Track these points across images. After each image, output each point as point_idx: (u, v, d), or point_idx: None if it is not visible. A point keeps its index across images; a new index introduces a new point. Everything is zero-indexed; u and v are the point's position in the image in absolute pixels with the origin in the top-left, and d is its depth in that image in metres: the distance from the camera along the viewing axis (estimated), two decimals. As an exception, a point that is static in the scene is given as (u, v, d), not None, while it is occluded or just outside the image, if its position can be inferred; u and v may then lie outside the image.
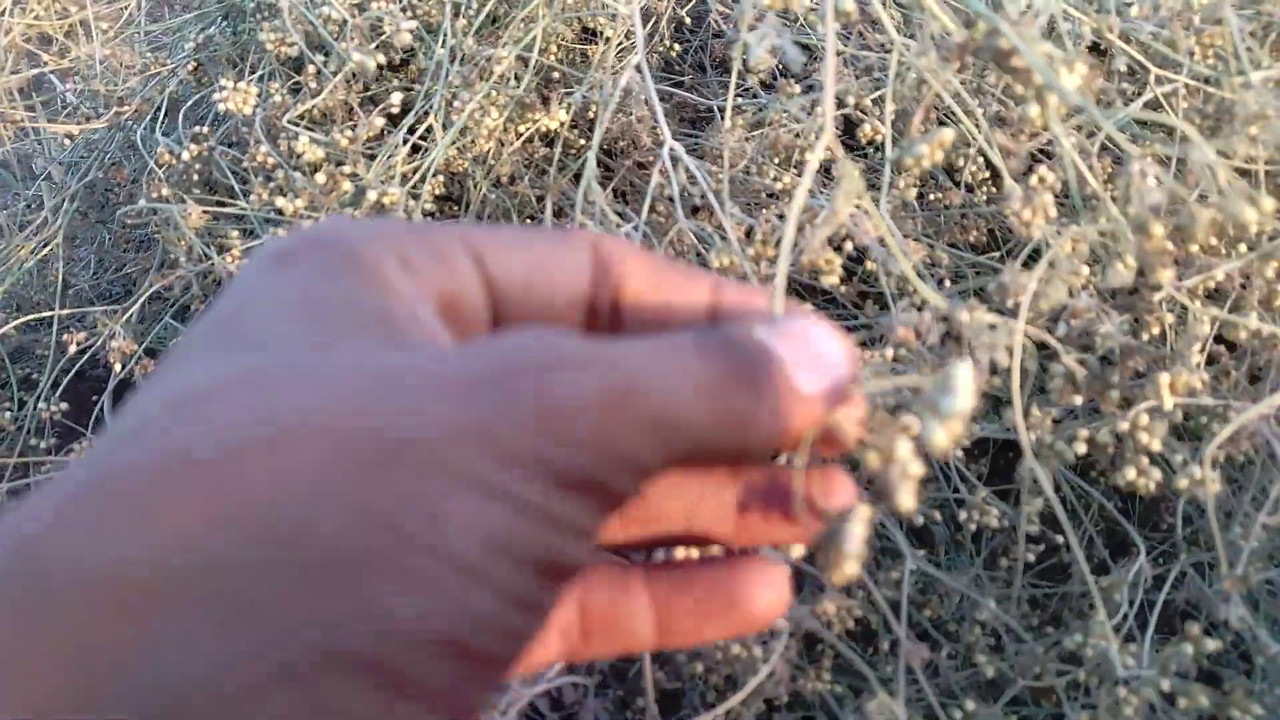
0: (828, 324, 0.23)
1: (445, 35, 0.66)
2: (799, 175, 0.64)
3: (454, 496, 0.17)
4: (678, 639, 0.24)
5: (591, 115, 0.76)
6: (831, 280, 0.53)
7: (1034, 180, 0.35)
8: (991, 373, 0.43)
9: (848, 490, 0.23)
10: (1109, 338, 0.46)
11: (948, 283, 0.71)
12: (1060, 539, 0.60)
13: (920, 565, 0.53)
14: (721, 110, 0.68)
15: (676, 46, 0.89)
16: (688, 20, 0.90)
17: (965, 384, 0.25)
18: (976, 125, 0.47)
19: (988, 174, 0.71)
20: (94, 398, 0.84)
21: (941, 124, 0.65)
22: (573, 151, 0.78)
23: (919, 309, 0.48)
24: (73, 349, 0.66)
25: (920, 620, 0.58)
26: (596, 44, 0.78)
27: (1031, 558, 0.58)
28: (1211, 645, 0.46)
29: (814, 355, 0.22)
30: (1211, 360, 0.61)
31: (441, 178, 0.71)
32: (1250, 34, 0.59)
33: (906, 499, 0.21)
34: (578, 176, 0.74)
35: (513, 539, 0.17)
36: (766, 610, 0.24)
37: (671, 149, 0.55)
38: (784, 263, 0.40)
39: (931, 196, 0.69)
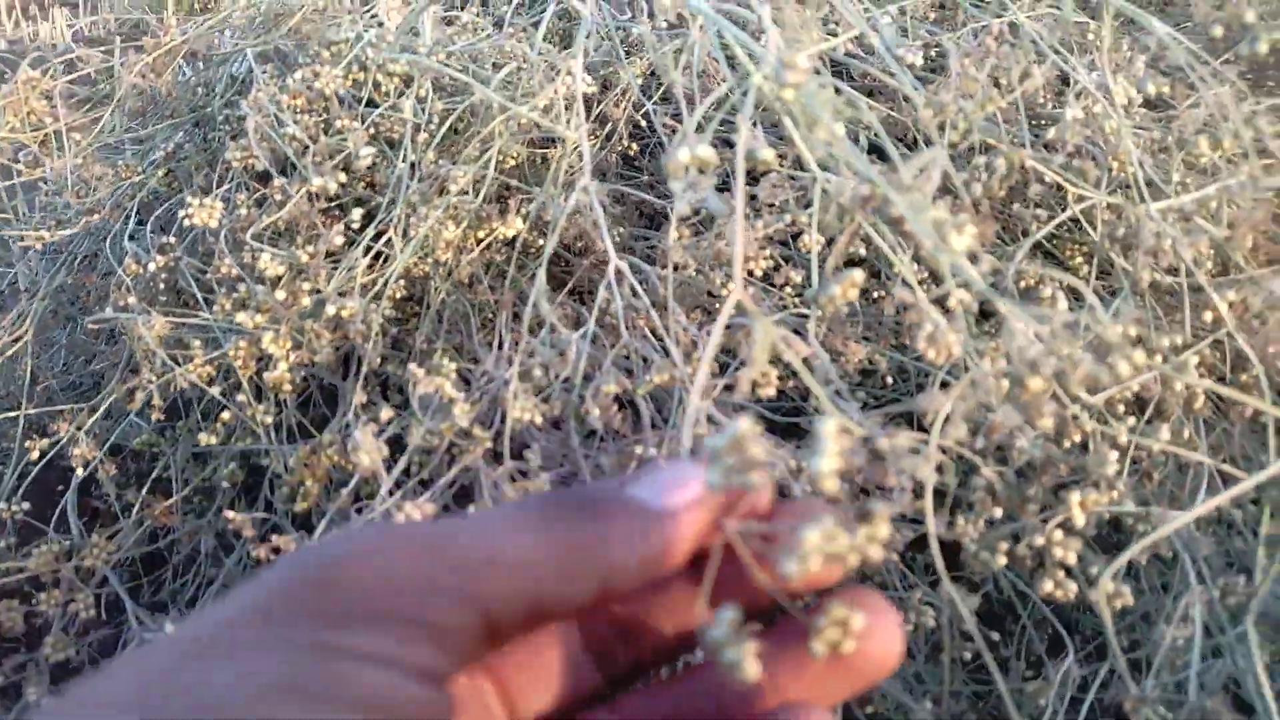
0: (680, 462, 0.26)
1: (405, 150, 0.69)
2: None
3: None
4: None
5: (548, 219, 0.79)
6: (768, 393, 0.56)
7: (928, 331, 0.38)
8: (915, 495, 0.45)
9: (880, 609, 0.25)
10: (1024, 452, 0.49)
11: (890, 379, 0.74)
12: (997, 635, 0.61)
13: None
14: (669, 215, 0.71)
15: (634, 146, 0.93)
16: (643, 122, 0.93)
17: (829, 440, 0.27)
18: (897, 259, 0.50)
19: (927, 274, 0.74)
20: (60, 488, 0.85)
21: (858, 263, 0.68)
22: (532, 251, 0.81)
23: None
24: (34, 454, 0.67)
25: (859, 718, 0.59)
26: (554, 148, 0.82)
27: (968, 656, 0.60)
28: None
29: (664, 479, 0.25)
30: (1136, 462, 0.64)
31: (403, 282, 0.73)
32: (1161, 150, 0.63)
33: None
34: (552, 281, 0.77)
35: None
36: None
37: (616, 267, 0.58)
38: (690, 415, 0.42)
39: (875, 295, 0.72)
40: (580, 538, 0.24)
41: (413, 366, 0.57)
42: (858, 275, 0.44)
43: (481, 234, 0.73)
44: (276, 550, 0.53)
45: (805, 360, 0.51)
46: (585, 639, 0.28)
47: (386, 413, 0.54)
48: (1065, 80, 0.66)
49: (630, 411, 0.58)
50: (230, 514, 0.54)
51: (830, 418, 0.27)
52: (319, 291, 0.63)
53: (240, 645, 0.22)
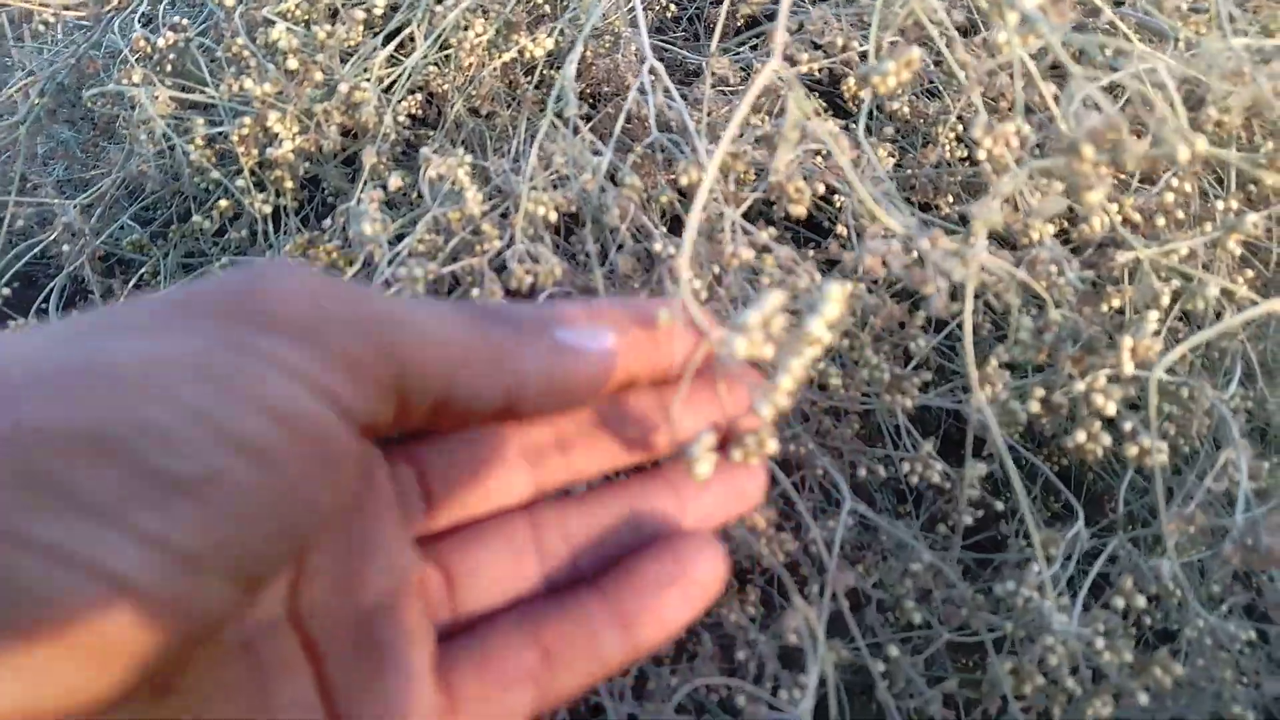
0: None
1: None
2: (776, 120, 0.64)
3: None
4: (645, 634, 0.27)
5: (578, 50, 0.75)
6: (799, 211, 0.53)
7: (983, 121, 0.34)
8: (951, 298, 0.42)
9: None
10: (1068, 286, 0.46)
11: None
12: (1000, 504, 0.59)
13: (858, 509, 0.52)
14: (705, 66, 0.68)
15: (673, 7, 0.89)
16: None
17: (832, 302, 0.27)
18: (948, 47, 0.46)
19: (965, 153, 0.71)
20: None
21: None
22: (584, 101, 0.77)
23: (887, 238, 0.47)
24: (20, 222, 0.64)
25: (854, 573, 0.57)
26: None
27: (970, 521, 0.58)
28: (1142, 601, 0.45)
29: (585, 328, 0.26)
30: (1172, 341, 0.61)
31: (419, 96, 0.70)
32: None
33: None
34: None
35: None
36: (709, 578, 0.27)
37: (651, 66, 0.55)
38: (703, 191, 0.39)
39: (905, 163, 0.69)
40: (497, 339, 0.24)
41: (425, 150, 0.54)
42: (914, 52, 0.41)
43: (508, 54, 0.69)
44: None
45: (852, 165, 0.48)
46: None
47: (396, 180, 0.51)
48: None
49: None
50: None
51: (838, 284, 0.26)
52: (332, 73, 0.59)
53: (153, 326, 0.20)
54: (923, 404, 0.61)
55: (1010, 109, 0.56)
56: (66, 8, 0.79)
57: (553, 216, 0.53)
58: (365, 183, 0.55)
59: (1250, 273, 0.58)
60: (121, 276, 0.74)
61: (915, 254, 0.42)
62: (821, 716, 0.46)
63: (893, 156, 0.68)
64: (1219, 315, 0.56)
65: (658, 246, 0.49)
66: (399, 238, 0.58)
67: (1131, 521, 0.61)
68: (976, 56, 0.46)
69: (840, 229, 0.61)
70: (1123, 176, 0.56)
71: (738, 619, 0.50)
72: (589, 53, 0.75)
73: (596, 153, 0.56)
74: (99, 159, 0.88)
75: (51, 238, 0.75)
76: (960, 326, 0.55)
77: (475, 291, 0.50)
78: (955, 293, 0.44)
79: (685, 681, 0.43)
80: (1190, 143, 0.31)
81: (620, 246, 0.51)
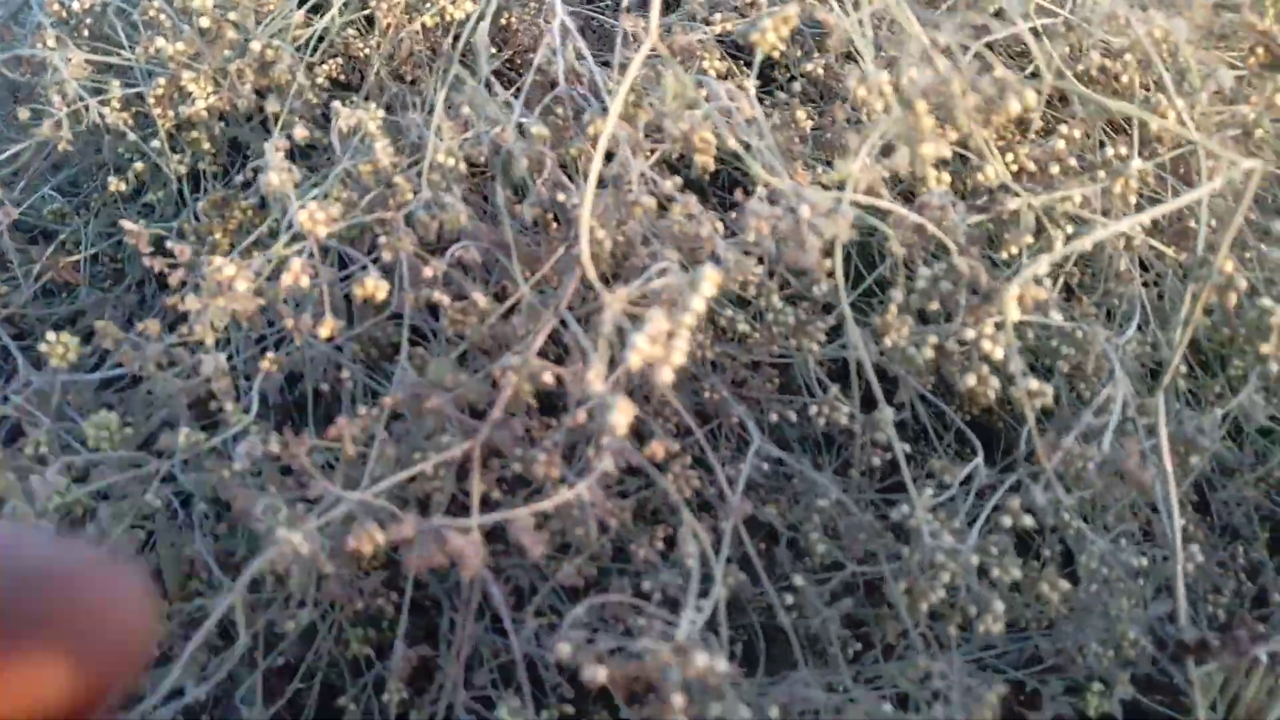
0: None
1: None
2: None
3: None
4: None
5: (503, 22, 0.76)
6: (705, 160, 0.54)
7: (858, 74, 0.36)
8: (826, 254, 0.44)
9: None
10: (954, 229, 0.48)
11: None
12: (908, 448, 0.61)
13: (767, 449, 0.54)
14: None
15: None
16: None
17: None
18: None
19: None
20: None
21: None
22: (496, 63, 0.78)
23: (771, 201, 0.48)
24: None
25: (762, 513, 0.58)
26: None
27: (877, 461, 0.59)
28: (1029, 521, 0.47)
29: None
30: (1069, 294, 0.64)
31: (340, 61, 0.70)
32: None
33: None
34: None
35: None
36: None
37: (562, 21, 0.56)
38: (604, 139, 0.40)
39: (821, 124, 0.71)
40: None
41: (336, 104, 0.55)
42: (791, 10, 0.42)
43: (427, 16, 0.70)
44: (172, 261, 0.50)
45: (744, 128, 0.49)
46: None
47: (302, 130, 0.51)
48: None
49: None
50: (126, 223, 0.52)
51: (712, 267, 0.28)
52: (246, 31, 0.60)
53: None
54: (837, 356, 0.63)
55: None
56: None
57: (462, 167, 0.54)
58: (275, 136, 0.55)
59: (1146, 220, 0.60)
60: (44, 243, 0.74)
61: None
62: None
63: (810, 120, 0.70)
64: (1111, 256, 0.58)
65: (560, 197, 0.50)
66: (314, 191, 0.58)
67: (1033, 462, 0.63)
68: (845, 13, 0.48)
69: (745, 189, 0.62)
70: (1018, 129, 0.58)
71: (646, 554, 0.52)
72: (513, 19, 0.76)
73: (508, 106, 0.57)
74: (23, 132, 0.87)
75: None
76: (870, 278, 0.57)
77: (383, 240, 0.51)
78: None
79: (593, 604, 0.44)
80: (1022, 97, 0.33)
81: (523, 198, 0.52)
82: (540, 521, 0.52)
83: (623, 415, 0.38)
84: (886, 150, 0.39)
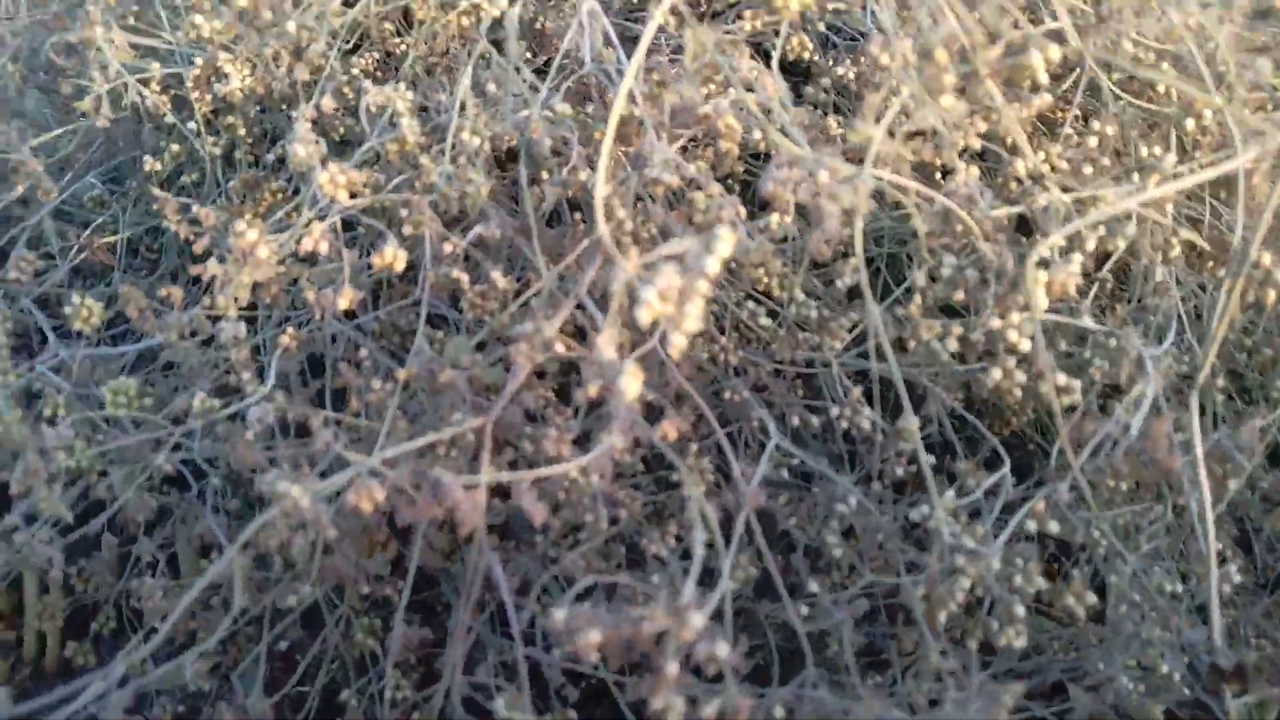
0: None
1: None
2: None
3: None
4: None
5: (538, 26, 0.76)
6: (730, 147, 0.53)
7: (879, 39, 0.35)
8: (845, 223, 0.43)
9: None
10: (983, 217, 0.46)
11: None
12: (932, 459, 0.59)
13: (783, 445, 0.52)
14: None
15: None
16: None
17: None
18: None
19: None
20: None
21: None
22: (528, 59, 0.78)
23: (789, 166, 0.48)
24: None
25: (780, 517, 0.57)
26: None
27: (900, 472, 0.57)
28: (1055, 528, 0.45)
29: None
30: (1102, 307, 0.62)
31: (375, 54, 0.71)
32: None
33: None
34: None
35: None
36: None
37: (590, 9, 0.56)
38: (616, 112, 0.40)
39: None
40: None
41: (366, 82, 0.55)
42: None
43: (461, 11, 0.70)
44: (197, 228, 0.51)
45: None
46: None
47: (329, 102, 0.52)
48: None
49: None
50: (155, 190, 0.52)
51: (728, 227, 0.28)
52: (285, 13, 0.60)
53: None
54: (861, 367, 0.61)
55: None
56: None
57: (487, 148, 0.53)
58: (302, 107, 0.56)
59: (1184, 234, 0.58)
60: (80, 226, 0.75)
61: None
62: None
63: (841, 128, 0.69)
64: (1148, 267, 0.56)
65: (583, 175, 0.50)
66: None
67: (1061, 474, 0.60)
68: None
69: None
70: (1048, 127, 0.57)
71: (657, 549, 0.50)
72: (548, 24, 0.76)
73: (535, 90, 0.57)
74: (69, 118, 0.89)
75: (15, 195, 0.76)
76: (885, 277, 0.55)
77: (404, 213, 0.51)
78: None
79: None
80: (1044, 49, 0.32)
81: (547, 176, 0.52)
82: (550, 506, 0.51)
83: (632, 380, 0.37)
84: (906, 116, 0.38)
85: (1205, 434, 0.58)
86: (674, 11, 0.57)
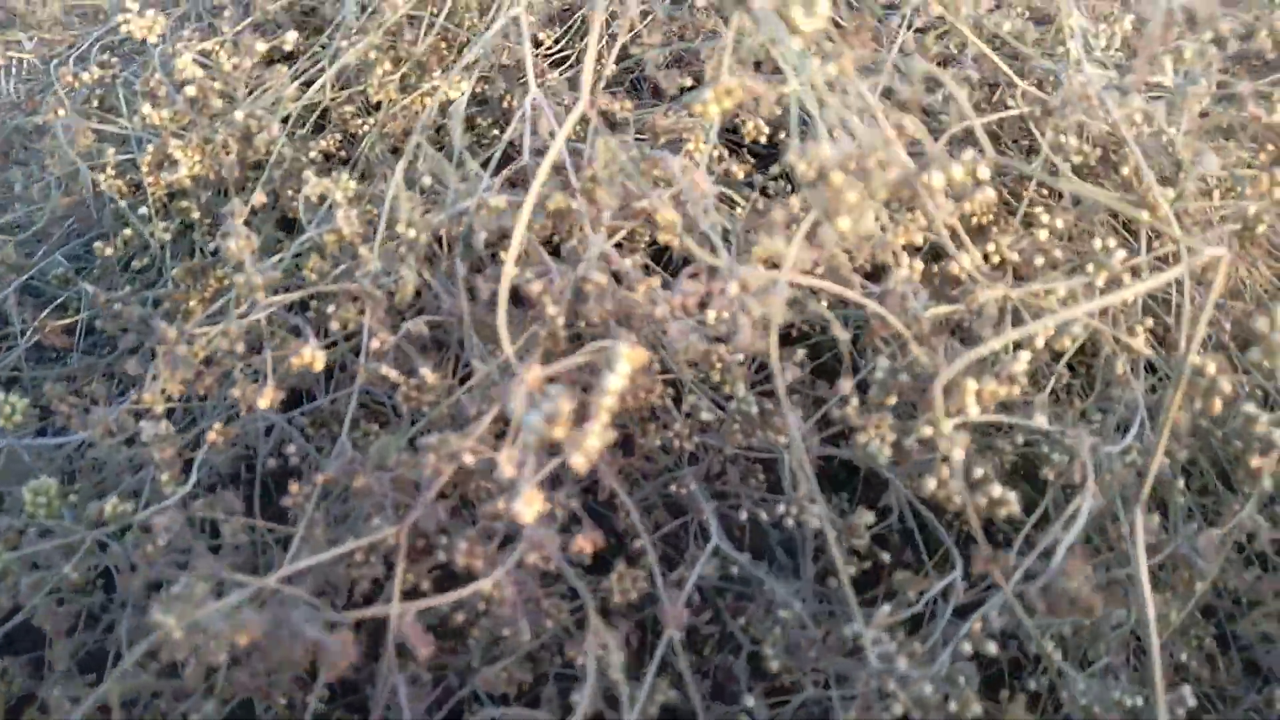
0: None
1: (356, -9, 0.67)
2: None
3: None
4: None
5: (497, 98, 0.76)
6: (668, 239, 0.52)
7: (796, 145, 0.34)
8: (763, 330, 0.41)
9: None
10: (915, 316, 0.44)
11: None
12: (887, 556, 0.57)
13: (723, 548, 0.50)
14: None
15: (613, 67, 0.91)
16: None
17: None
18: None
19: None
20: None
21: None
22: (484, 141, 0.78)
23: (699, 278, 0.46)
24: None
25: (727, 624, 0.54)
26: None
27: (853, 571, 0.55)
28: (992, 648, 0.43)
29: None
30: (1057, 396, 0.59)
31: (336, 136, 0.71)
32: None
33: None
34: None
35: None
36: None
37: (534, 99, 0.55)
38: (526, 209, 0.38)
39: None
40: None
41: (307, 172, 0.54)
42: (733, 83, 0.41)
43: (423, 93, 0.70)
44: (123, 324, 0.50)
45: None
46: None
47: (260, 195, 0.51)
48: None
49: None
50: (86, 284, 0.51)
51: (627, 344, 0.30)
52: (233, 100, 0.60)
53: None
54: (827, 455, 0.59)
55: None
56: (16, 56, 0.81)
57: (424, 239, 0.52)
58: (242, 202, 0.55)
59: (1150, 321, 0.56)
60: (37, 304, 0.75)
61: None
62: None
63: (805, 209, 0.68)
64: (1109, 364, 0.54)
65: (528, 274, 0.49)
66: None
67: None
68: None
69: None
70: (1002, 217, 0.55)
71: (583, 661, 0.48)
72: (512, 100, 0.76)
73: (476, 178, 0.56)
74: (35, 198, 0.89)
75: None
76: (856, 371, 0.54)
77: (331, 309, 0.50)
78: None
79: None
80: (946, 169, 0.30)
81: (480, 271, 0.51)
82: (470, 618, 0.49)
83: (528, 505, 0.36)
84: (814, 229, 0.37)
85: (1174, 531, 0.55)
86: (601, 113, 0.56)
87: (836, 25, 0.56)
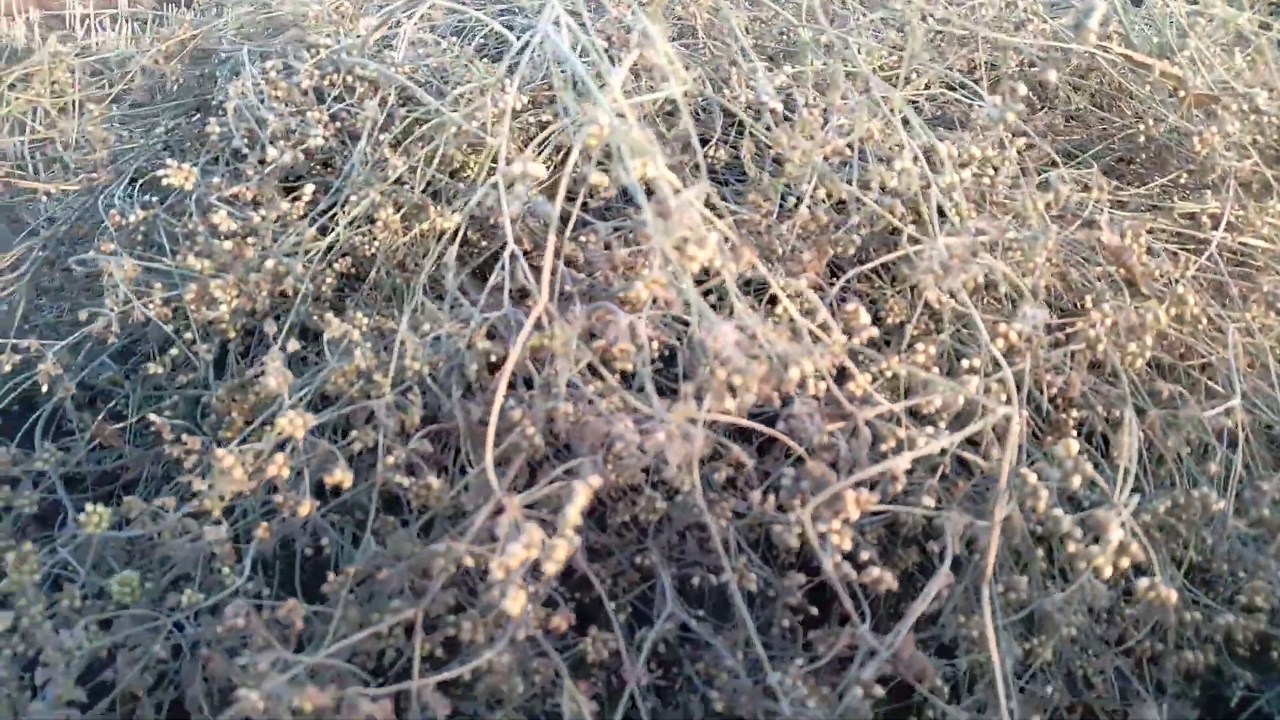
0: None
1: (362, 142, 0.80)
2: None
3: None
4: None
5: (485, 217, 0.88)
6: (625, 365, 0.64)
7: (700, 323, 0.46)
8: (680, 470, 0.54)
9: None
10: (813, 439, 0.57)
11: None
12: (814, 611, 0.69)
13: (677, 610, 0.63)
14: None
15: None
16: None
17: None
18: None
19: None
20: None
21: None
22: (475, 251, 0.91)
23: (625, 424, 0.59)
24: (6, 368, 0.77)
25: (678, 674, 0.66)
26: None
27: (787, 623, 0.67)
28: (879, 691, 0.55)
29: None
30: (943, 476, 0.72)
31: (349, 260, 0.83)
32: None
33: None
34: (477, 272, 0.88)
35: None
36: None
37: (511, 250, 0.68)
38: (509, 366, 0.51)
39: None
40: None
41: (328, 315, 0.67)
42: (658, 275, 0.53)
43: (424, 225, 0.82)
44: (187, 449, 0.62)
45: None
46: None
47: (294, 344, 0.63)
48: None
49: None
50: (154, 416, 0.64)
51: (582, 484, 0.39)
52: (265, 249, 0.73)
53: None
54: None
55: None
56: (64, 190, 0.93)
57: (426, 370, 0.65)
58: (278, 343, 0.68)
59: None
60: (92, 408, 0.87)
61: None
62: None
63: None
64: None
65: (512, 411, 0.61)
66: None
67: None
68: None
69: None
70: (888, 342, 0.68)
71: (573, 711, 0.60)
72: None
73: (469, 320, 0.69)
74: (90, 301, 1.02)
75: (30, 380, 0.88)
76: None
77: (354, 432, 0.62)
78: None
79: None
80: (801, 365, 0.43)
81: (469, 394, 0.63)
82: (471, 679, 0.61)
83: (514, 604, 0.48)
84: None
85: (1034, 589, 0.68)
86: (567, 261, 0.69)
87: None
